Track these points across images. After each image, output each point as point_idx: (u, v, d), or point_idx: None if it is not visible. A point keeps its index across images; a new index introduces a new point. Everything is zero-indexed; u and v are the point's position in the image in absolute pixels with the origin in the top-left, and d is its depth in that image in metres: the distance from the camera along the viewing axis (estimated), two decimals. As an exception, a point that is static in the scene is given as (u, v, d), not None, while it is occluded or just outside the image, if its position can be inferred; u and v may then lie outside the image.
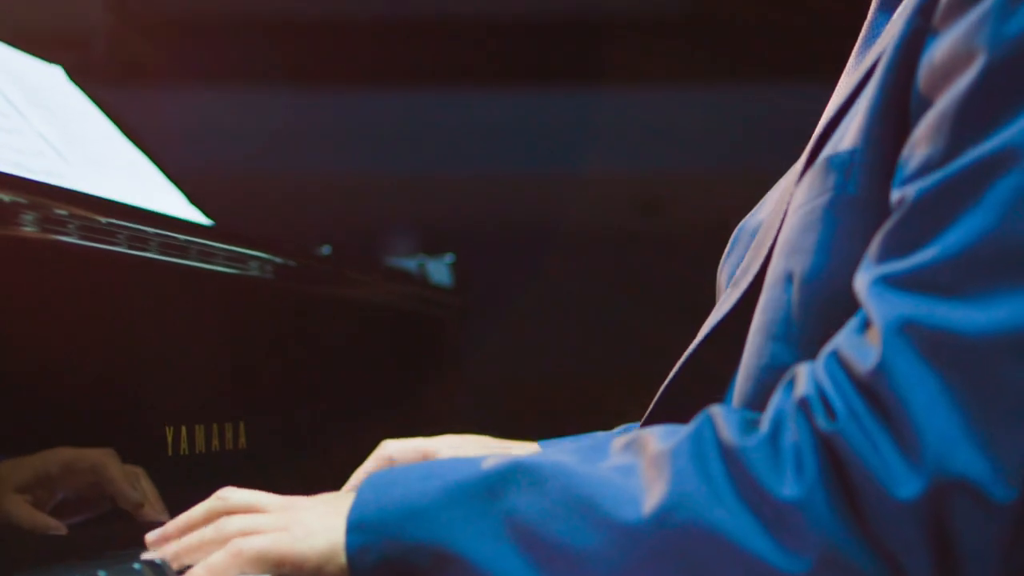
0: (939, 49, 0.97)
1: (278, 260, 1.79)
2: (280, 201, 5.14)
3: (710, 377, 1.13)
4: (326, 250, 2.09)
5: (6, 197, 1.29)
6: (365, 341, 2.04)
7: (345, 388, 1.93)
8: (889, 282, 0.93)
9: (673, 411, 1.12)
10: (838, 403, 0.92)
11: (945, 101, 0.95)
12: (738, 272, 1.17)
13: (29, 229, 1.31)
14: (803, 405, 0.94)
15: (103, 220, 1.40)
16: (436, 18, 4.50)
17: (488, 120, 4.44)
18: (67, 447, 1.33)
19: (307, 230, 3.30)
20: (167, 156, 1.97)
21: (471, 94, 4.51)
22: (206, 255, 1.60)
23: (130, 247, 1.46)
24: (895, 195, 0.97)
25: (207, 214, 1.95)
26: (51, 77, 1.89)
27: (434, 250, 2.30)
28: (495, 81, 4.49)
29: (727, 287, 1.18)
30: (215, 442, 1.54)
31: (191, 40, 6.08)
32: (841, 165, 1.04)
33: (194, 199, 1.93)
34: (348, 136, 4.79)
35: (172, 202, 1.88)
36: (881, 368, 0.90)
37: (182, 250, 1.53)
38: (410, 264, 2.28)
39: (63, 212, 1.34)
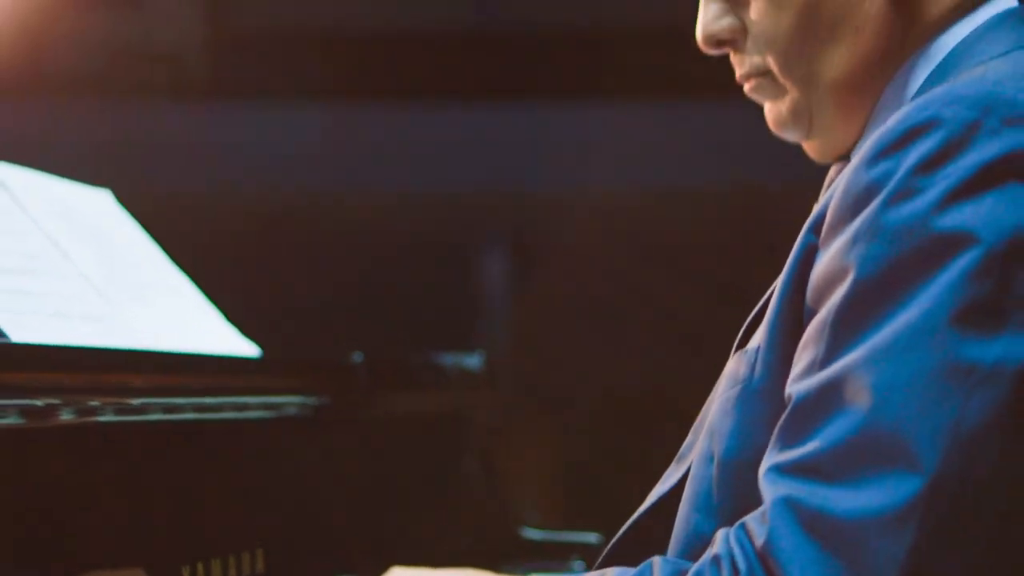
0: (821, 263, 1.15)
1: (312, 401, 1.89)
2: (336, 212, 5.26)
3: (651, 540, 1.32)
4: (358, 357, 2.17)
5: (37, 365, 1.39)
6: (392, 453, 2.13)
7: (368, 503, 2.02)
8: (780, 470, 1.11)
9: (621, 563, 1.29)
10: (742, 564, 1.10)
11: (825, 311, 1.12)
12: (683, 447, 1.35)
13: (59, 402, 1.41)
14: (716, 561, 1.12)
15: (135, 401, 1.49)
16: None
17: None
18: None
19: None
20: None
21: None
22: (240, 407, 1.70)
23: (164, 412, 1.56)
24: (787, 392, 1.14)
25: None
26: (98, 203, 1.99)
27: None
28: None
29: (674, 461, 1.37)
30: (232, 572, 1.64)
31: (287, 55, 6.22)
32: (749, 361, 1.24)
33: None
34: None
35: (212, 326, 1.97)
36: (770, 540, 1.08)
37: (216, 410, 1.63)
38: (446, 360, 2.35)
39: (89, 387, 1.44)
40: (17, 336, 1.52)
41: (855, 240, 1.11)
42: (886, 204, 1.10)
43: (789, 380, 1.15)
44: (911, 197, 1.09)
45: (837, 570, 1.05)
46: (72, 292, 1.70)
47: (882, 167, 1.11)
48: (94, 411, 1.48)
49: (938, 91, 1.15)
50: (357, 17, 6.55)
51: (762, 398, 1.22)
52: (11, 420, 1.38)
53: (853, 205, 1.12)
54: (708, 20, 1.38)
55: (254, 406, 1.77)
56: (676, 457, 1.35)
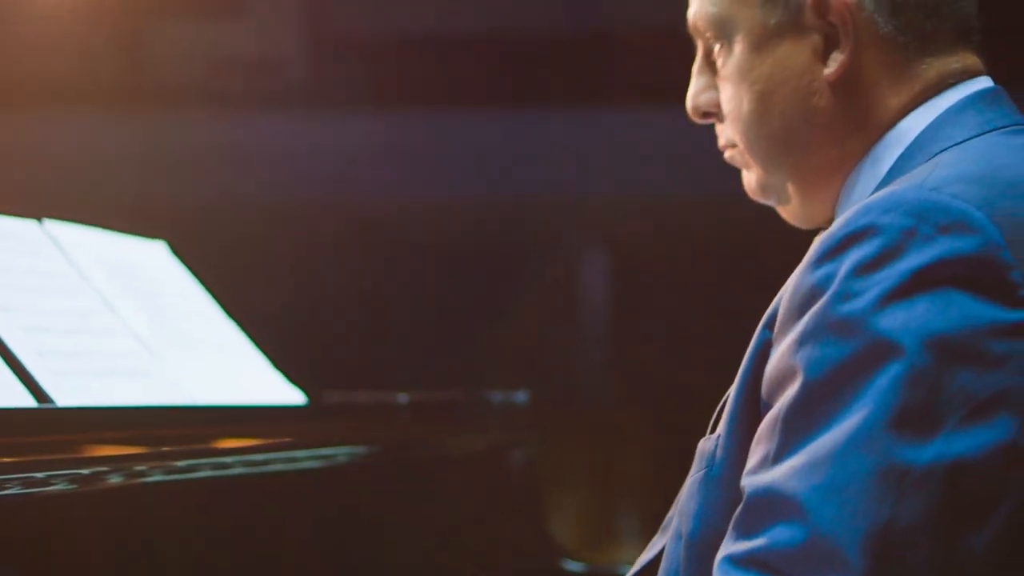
0: (774, 359, 1.20)
1: (361, 450, 1.96)
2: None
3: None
4: (403, 398, 2.24)
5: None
6: (438, 490, 2.19)
7: (413, 540, 2.08)
8: (732, 560, 1.17)
9: None
10: None
11: (777, 408, 1.18)
12: (666, 518, 1.41)
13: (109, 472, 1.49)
14: None
15: (182, 464, 1.57)
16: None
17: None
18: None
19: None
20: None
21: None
22: (288, 460, 1.77)
23: (213, 469, 1.64)
24: (742, 483, 1.19)
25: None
26: (152, 256, 2.08)
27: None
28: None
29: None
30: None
31: (386, 60, 6.31)
32: (711, 448, 1.30)
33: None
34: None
35: (259, 375, 2.05)
36: None
37: (260, 464, 1.71)
38: (494, 397, 2.41)
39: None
40: (63, 400, 1.60)
41: (802, 341, 1.17)
42: (828, 306, 1.16)
43: (744, 472, 1.20)
44: (850, 299, 1.15)
45: None
46: (121, 348, 1.78)
47: (825, 270, 1.17)
48: (142, 474, 1.56)
49: (878, 197, 1.19)
50: (457, 21, 6.62)
51: (721, 485, 1.28)
52: (60, 486, 1.47)
53: (800, 306, 1.18)
54: (694, 93, 1.46)
55: (302, 456, 1.84)
56: (660, 527, 1.41)
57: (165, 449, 1.62)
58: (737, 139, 1.43)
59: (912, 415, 1.12)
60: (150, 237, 2.13)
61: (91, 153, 9.14)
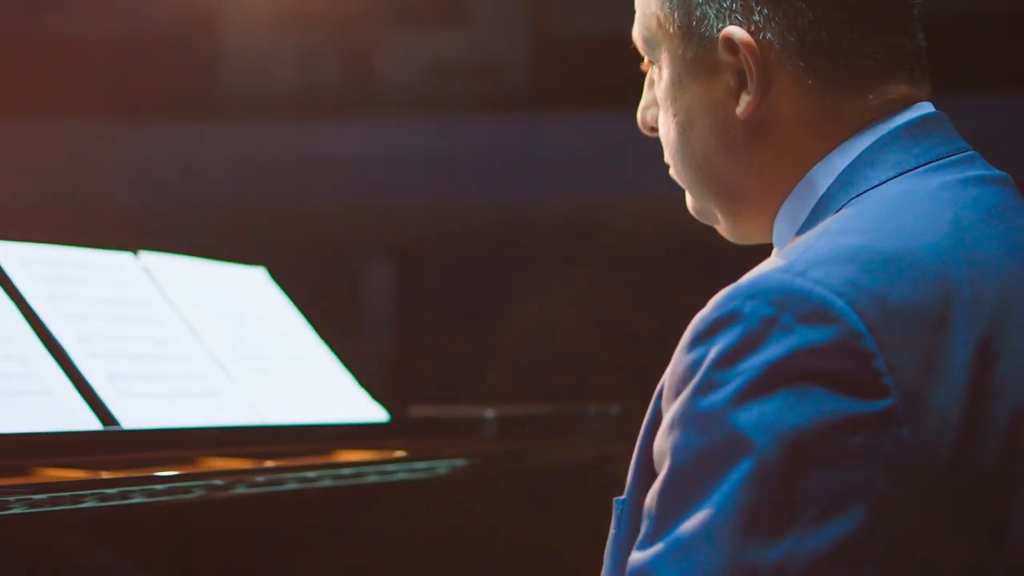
0: (658, 437, 1.22)
1: (440, 462, 2.10)
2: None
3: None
4: (489, 414, 2.36)
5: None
6: (529, 505, 2.30)
7: (507, 556, 2.20)
8: None
9: None
10: None
11: (655, 486, 1.20)
12: None
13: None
14: None
15: (219, 481, 1.74)
16: None
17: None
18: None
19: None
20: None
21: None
22: (359, 475, 1.92)
23: (269, 485, 1.80)
24: (630, 558, 1.22)
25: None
26: (247, 282, 2.25)
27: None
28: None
29: None
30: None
31: (609, 63, 6.42)
32: (618, 511, 1.31)
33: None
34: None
35: (341, 396, 2.21)
36: None
37: (335, 477, 1.86)
38: (588, 411, 2.51)
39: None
40: (128, 422, 1.78)
41: (672, 426, 1.19)
42: (691, 397, 1.18)
43: (635, 544, 1.22)
44: (713, 391, 1.17)
45: None
46: (196, 372, 1.96)
47: (694, 354, 1.19)
48: (187, 490, 1.73)
49: (747, 280, 1.21)
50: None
51: (625, 547, 1.27)
52: (139, 500, 1.65)
53: (676, 386, 1.21)
54: (642, 107, 1.50)
55: (376, 471, 1.99)
56: None
57: (209, 469, 1.79)
58: (669, 162, 1.46)
59: (761, 514, 1.14)
60: (250, 264, 2.31)
61: (313, 158, 9.47)
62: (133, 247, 2.08)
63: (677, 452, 1.18)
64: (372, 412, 2.22)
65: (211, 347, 2.03)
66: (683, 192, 1.49)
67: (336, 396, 2.18)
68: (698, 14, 1.40)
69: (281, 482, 1.84)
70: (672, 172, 1.48)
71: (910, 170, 1.35)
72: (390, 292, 11.40)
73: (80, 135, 7.47)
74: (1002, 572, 1.20)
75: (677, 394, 1.20)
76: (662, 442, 1.21)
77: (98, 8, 7.82)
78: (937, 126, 1.40)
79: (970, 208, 1.32)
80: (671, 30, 1.42)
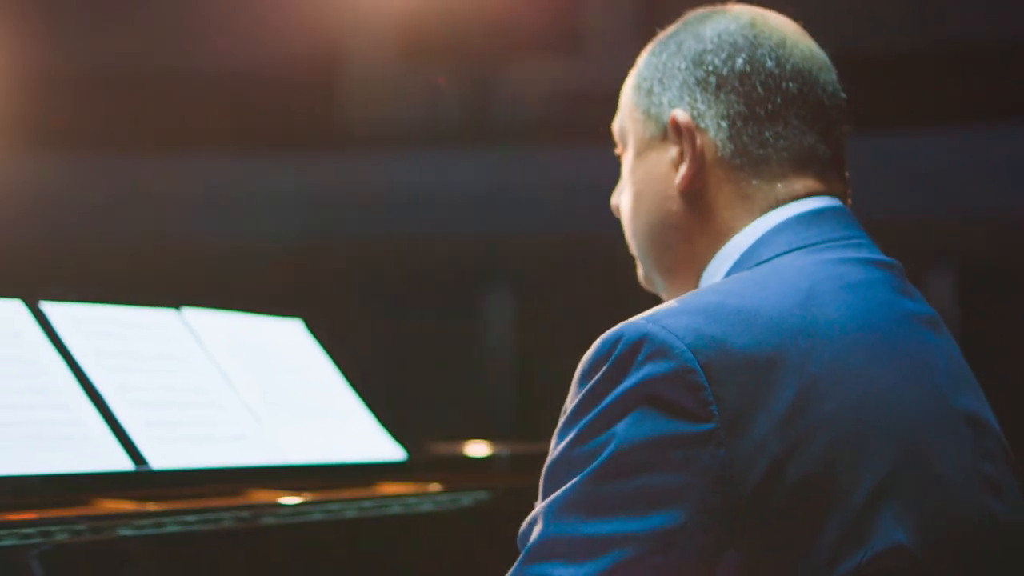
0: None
1: (453, 499, 2.39)
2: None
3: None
4: (503, 452, 2.63)
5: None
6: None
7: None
8: None
9: None
10: None
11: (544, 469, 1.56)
12: None
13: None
14: None
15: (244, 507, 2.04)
16: None
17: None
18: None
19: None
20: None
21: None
22: (380, 507, 2.22)
23: (291, 515, 2.10)
24: None
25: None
26: (283, 334, 2.56)
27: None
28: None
29: None
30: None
31: None
32: None
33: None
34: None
35: (363, 437, 2.50)
36: None
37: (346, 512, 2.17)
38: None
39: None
40: (156, 463, 2.09)
41: (559, 436, 1.56)
42: (575, 419, 1.54)
43: None
44: (587, 413, 1.53)
45: None
46: (226, 418, 2.26)
47: (583, 388, 1.54)
48: (216, 520, 2.04)
49: (621, 324, 1.54)
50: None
51: None
52: (172, 528, 1.97)
53: (568, 411, 1.55)
54: (614, 193, 1.86)
55: (394, 507, 2.29)
56: None
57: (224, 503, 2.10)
58: (628, 239, 1.81)
59: (598, 500, 1.48)
60: (288, 316, 2.61)
61: (436, 190, 9.76)
62: (177, 304, 2.39)
63: (556, 452, 1.52)
64: (391, 451, 2.50)
65: (243, 395, 2.33)
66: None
67: (358, 437, 2.47)
68: (655, 100, 1.76)
69: (298, 514, 2.15)
70: (631, 246, 1.81)
71: (796, 249, 1.66)
72: (510, 320, 11.69)
73: (204, 169, 7.86)
74: None
75: (574, 415, 1.53)
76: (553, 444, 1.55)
77: (220, 42, 8.18)
78: (833, 216, 1.71)
79: (830, 280, 1.62)
80: (637, 115, 1.78)
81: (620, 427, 1.49)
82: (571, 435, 1.52)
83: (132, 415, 2.13)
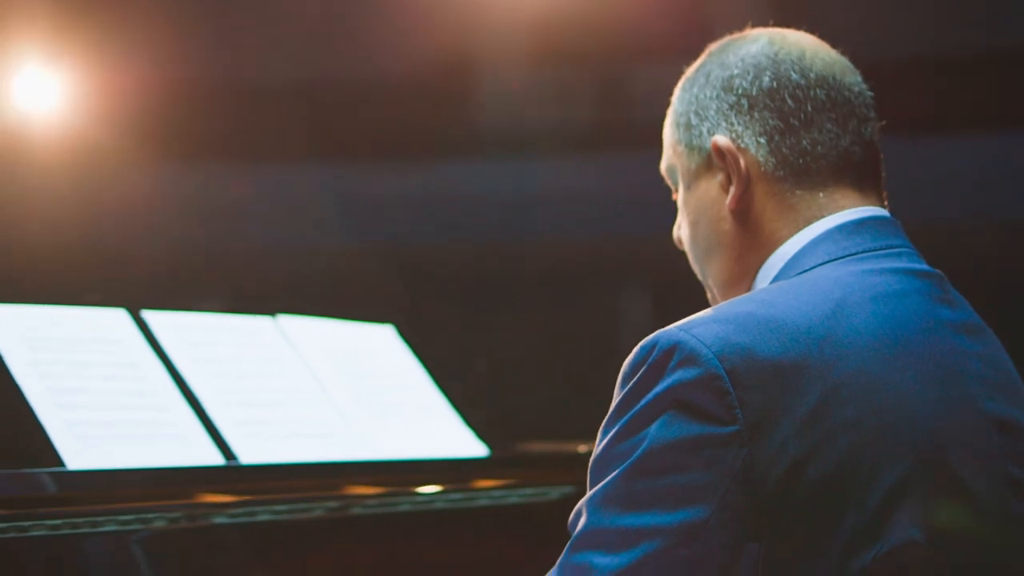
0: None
1: (531, 494, 2.55)
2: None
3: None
4: (583, 449, 2.79)
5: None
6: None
7: None
8: None
9: None
10: None
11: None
12: None
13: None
14: None
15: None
16: None
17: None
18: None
19: None
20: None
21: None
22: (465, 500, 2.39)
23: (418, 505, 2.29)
24: None
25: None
26: (374, 338, 2.74)
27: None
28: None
29: None
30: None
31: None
32: None
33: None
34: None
35: (446, 434, 2.67)
36: None
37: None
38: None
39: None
40: (246, 459, 2.29)
41: (604, 433, 1.68)
42: (617, 417, 1.66)
43: None
44: (626, 415, 1.65)
45: None
46: (317, 417, 2.45)
47: (623, 389, 1.67)
48: (306, 510, 2.23)
49: (657, 332, 1.66)
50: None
51: None
52: (264, 517, 2.18)
53: (612, 410, 1.67)
54: (675, 227, 1.98)
55: (481, 499, 2.46)
56: None
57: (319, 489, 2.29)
58: (691, 262, 1.94)
59: (632, 495, 1.62)
60: (376, 321, 2.80)
61: (562, 193, 9.92)
62: (272, 311, 2.59)
63: (600, 448, 1.66)
64: (475, 448, 2.67)
65: (332, 395, 2.52)
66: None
67: (443, 435, 2.65)
68: (695, 132, 1.88)
69: (381, 505, 2.33)
70: (696, 271, 1.96)
71: (836, 259, 1.78)
72: (646, 321, 11.77)
73: (340, 176, 8.07)
74: (828, 572, 1.60)
75: (614, 414, 1.67)
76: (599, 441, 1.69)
77: (351, 52, 8.37)
78: (874, 226, 1.82)
79: (862, 291, 1.73)
80: (680, 150, 1.91)
81: (652, 428, 1.62)
82: (611, 433, 1.66)
83: (224, 414, 2.33)
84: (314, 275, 7.36)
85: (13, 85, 8.86)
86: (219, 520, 2.20)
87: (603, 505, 1.63)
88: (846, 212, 1.82)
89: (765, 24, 1.95)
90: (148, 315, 2.38)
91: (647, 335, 1.66)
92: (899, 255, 1.79)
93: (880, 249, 1.80)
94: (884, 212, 1.85)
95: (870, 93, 1.89)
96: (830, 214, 1.82)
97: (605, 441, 1.67)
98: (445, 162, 8.79)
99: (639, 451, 1.62)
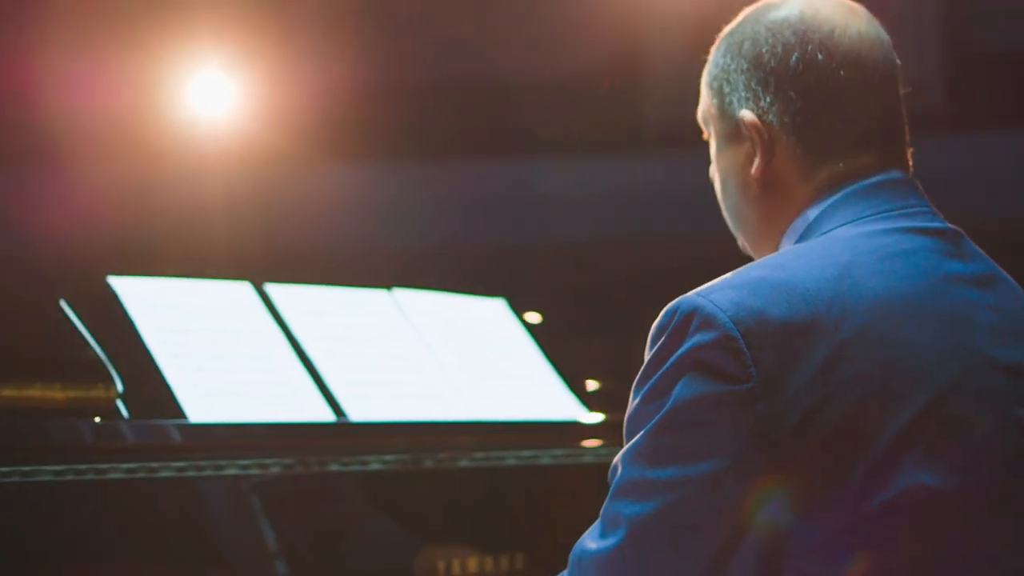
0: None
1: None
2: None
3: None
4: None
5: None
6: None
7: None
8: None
9: None
10: None
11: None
12: None
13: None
14: None
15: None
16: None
17: None
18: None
19: None
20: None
21: None
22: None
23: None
24: None
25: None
26: (486, 311, 2.98)
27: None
28: None
29: None
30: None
31: None
32: None
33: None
34: None
35: (554, 401, 2.89)
36: None
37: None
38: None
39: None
40: (354, 416, 2.55)
41: (635, 393, 1.84)
42: (645, 378, 1.82)
43: None
44: (654, 375, 1.81)
45: None
46: (425, 382, 2.70)
47: (649, 350, 1.84)
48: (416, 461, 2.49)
49: (679, 298, 1.83)
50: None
51: None
52: (373, 467, 2.44)
53: (642, 371, 1.83)
54: (710, 168, 2.13)
55: (587, 456, 2.69)
56: None
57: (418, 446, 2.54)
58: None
59: (658, 450, 1.78)
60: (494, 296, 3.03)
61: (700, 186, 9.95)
62: (388, 285, 2.85)
63: (632, 407, 1.83)
64: (581, 414, 2.90)
65: (441, 361, 2.76)
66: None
67: (549, 401, 2.87)
68: (727, 101, 2.04)
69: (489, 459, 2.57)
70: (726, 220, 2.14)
71: (850, 222, 1.93)
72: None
73: (519, 172, 8.28)
74: (835, 527, 1.77)
75: (643, 376, 1.84)
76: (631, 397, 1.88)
77: (523, 51, 8.57)
78: (891, 188, 1.97)
79: (871, 252, 1.88)
80: (714, 111, 2.07)
81: (676, 389, 1.78)
82: (641, 394, 1.83)
83: (337, 377, 2.59)
84: (489, 269, 7.55)
85: (191, 89, 9.28)
86: (330, 468, 2.46)
87: (634, 459, 1.80)
88: (863, 179, 1.97)
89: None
90: (270, 288, 2.65)
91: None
92: (913, 215, 1.94)
93: (895, 210, 1.94)
94: (901, 174, 1.99)
95: (897, 62, 2.04)
96: (849, 180, 1.97)
97: (637, 400, 1.83)
98: (614, 157, 8.91)
99: (664, 409, 1.78)
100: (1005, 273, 1.99)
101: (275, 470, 2.41)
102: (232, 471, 2.36)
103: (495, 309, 3.02)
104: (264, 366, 2.53)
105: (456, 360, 2.80)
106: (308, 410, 2.52)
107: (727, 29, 2.07)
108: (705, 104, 2.10)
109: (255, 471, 2.37)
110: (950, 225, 1.98)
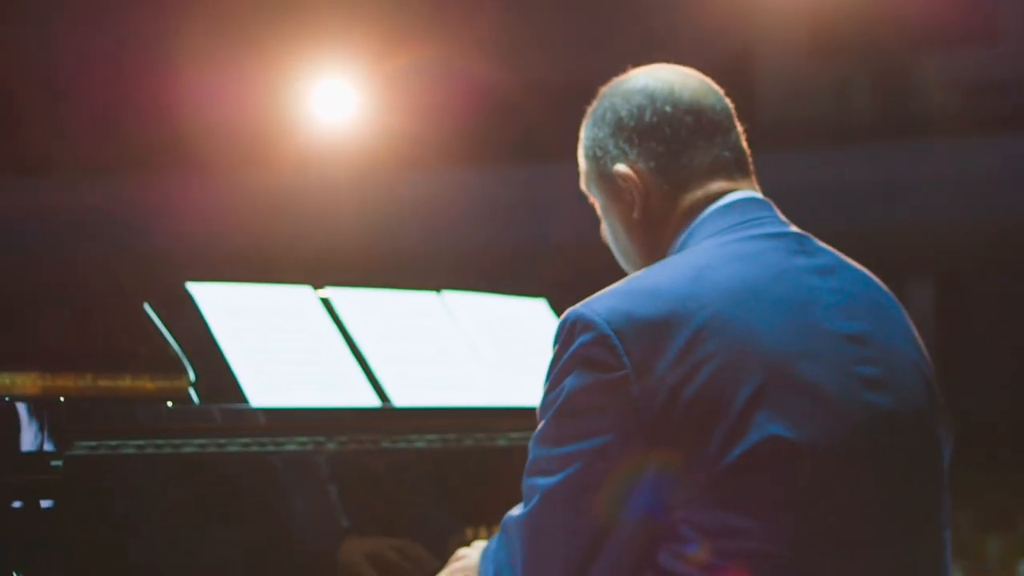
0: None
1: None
2: None
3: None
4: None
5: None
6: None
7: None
8: None
9: None
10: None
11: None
12: None
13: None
14: None
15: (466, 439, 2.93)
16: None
17: None
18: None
19: None
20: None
21: None
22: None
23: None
24: None
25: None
26: (526, 310, 3.41)
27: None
28: None
29: None
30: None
31: None
32: None
33: None
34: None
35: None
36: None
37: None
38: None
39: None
40: (397, 401, 3.01)
41: (544, 391, 2.31)
42: (548, 377, 2.29)
43: None
44: (553, 373, 2.28)
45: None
46: (459, 373, 3.15)
47: (552, 353, 2.30)
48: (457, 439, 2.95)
49: (569, 309, 2.28)
50: None
51: None
52: (419, 444, 2.91)
53: (547, 368, 2.30)
54: (601, 229, 2.59)
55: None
56: None
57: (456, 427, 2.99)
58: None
59: (556, 433, 2.25)
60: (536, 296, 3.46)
61: (837, 184, 10.31)
62: (438, 287, 3.30)
63: (541, 398, 2.30)
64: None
65: (482, 356, 3.21)
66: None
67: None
68: (603, 164, 2.50)
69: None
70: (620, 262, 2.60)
71: (711, 236, 2.37)
72: (931, 309, 12.01)
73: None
74: (706, 478, 2.19)
75: (547, 373, 2.31)
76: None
77: (633, 52, 8.99)
78: (742, 205, 2.40)
79: (723, 256, 2.32)
80: (594, 176, 2.53)
81: (567, 381, 2.25)
82: (545, 388, 2.29)
83: (384, 369, 3.05)
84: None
85: (314, 96, 9.81)
86: (385, 444, 2.92)
87: (541, 441, 2.26)
88: (720, 200, 2.40)
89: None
90: (328, 291, 3.11)
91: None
92: (762, 223, 2.35)
93: (745, 222, 2.36)
94: (754, 193, 2.41)
95: (730, 105, 2.46)
96: (707, 204, 2.40)
97: (543, 393, 2.29)
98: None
99: (560, 399, 2.24)
100: (852, 263, 2.41)
101: (331, 447, 2.87)
102: (291, 447, 2.82)
103: (535, 309, 3.46)
104: (321, 359, 3.00)
105: (495, 355, 3.23)
106: (358, 396, 2.98)
107: (589, 109, 2.52)
108: (585, 173, 2.54)
109: (310, 447, 2.84)
110: (796, 229, 2.41)
